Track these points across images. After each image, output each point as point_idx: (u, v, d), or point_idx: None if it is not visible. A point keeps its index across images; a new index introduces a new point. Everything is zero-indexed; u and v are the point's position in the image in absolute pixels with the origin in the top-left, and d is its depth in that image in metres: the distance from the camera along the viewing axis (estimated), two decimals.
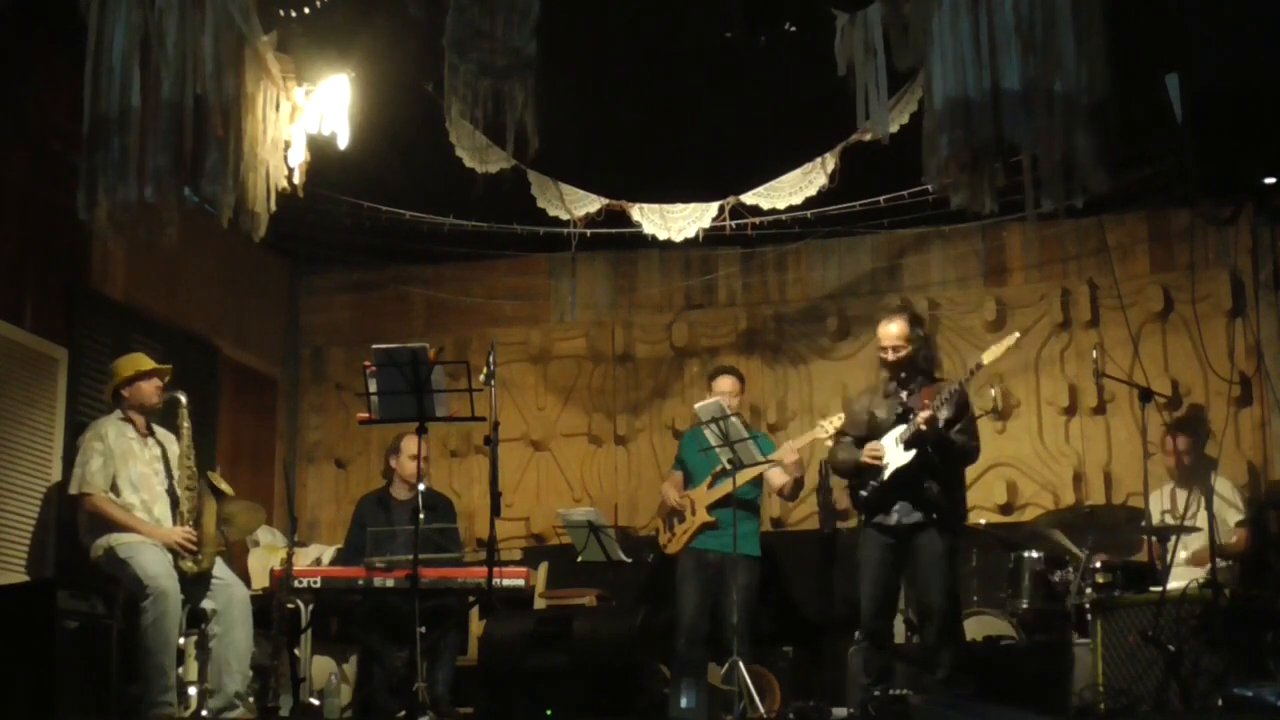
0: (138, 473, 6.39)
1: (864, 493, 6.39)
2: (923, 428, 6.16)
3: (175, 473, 6.49)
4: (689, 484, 7.54)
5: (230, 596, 6.29)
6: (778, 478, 7.41)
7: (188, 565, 6.22)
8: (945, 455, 6.25)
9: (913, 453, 6.21)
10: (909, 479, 6.24)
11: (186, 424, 6.52)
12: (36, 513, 7.01)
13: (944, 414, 6.24)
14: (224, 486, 6.61)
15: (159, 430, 6.64)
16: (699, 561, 7.31)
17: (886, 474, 6.28)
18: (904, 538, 6.25)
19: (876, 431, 6.39)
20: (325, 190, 7.52)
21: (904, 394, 6.41)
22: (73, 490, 6.35)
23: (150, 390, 6.54)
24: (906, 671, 6.59)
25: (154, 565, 6.10)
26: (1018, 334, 6.61)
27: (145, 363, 6.61)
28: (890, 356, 6.46)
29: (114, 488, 6.32)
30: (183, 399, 6.52)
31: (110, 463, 6.32)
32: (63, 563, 6.82)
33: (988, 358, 6.42)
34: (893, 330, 6.47)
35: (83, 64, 5.73)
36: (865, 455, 6.36)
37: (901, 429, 6.27)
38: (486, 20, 5.82)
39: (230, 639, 6.21)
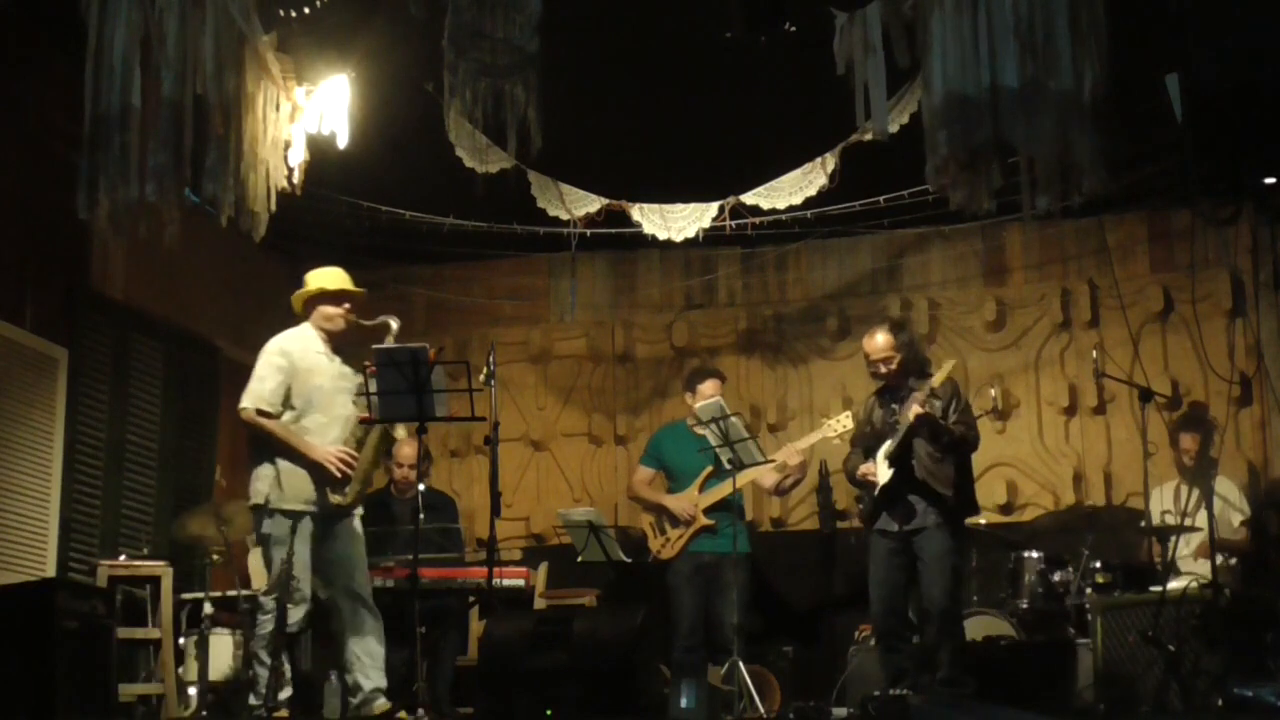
0: (318, 389, 6.05)
1: (861, 506, 6.48)
2: (910, 419, 6.13)
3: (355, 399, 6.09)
4: (672, 484, 7.46)
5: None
6: (769, 478, 7.35)
7: (335, 498, 5.96)
8: (943, 444, 6.21)
9: (892, 471, 6.22)
10: (896, 493, 6.26)
11: None
12: (37, 513, 7.01)
13: (936, 408, 6.20)
14: (399, 432, 6.24)
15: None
16: (695, 565, 7.23)
17: (877, 490, 6.31)
18: (907, 540, 6.27)
19: (875, 442, 6.40)
20: (325, 190, 7.52)
21: (894, 405, 6.39)
22: (245, 404, 6.02)
23: (334, 313, 6.14)
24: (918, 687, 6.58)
25: (304, 571, 5.89)
26: (953, 361, 6.56)
27: (334, 280, 6.18)
28: (882, 370, 6.42)
29: (289, 405, 6.01)
30: (393, 325, 6.07)
31: (289, 380, 6.00)
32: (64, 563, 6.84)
33: (936, 379, 6.24)
34: (879, 342, 6.42)
35: (83, 64, 5.74)
36: (859, 474, 6.42)
37: (888, 444, 6.26)
38: (486, 20, 5.83)
39: (360, 636, 6.02)
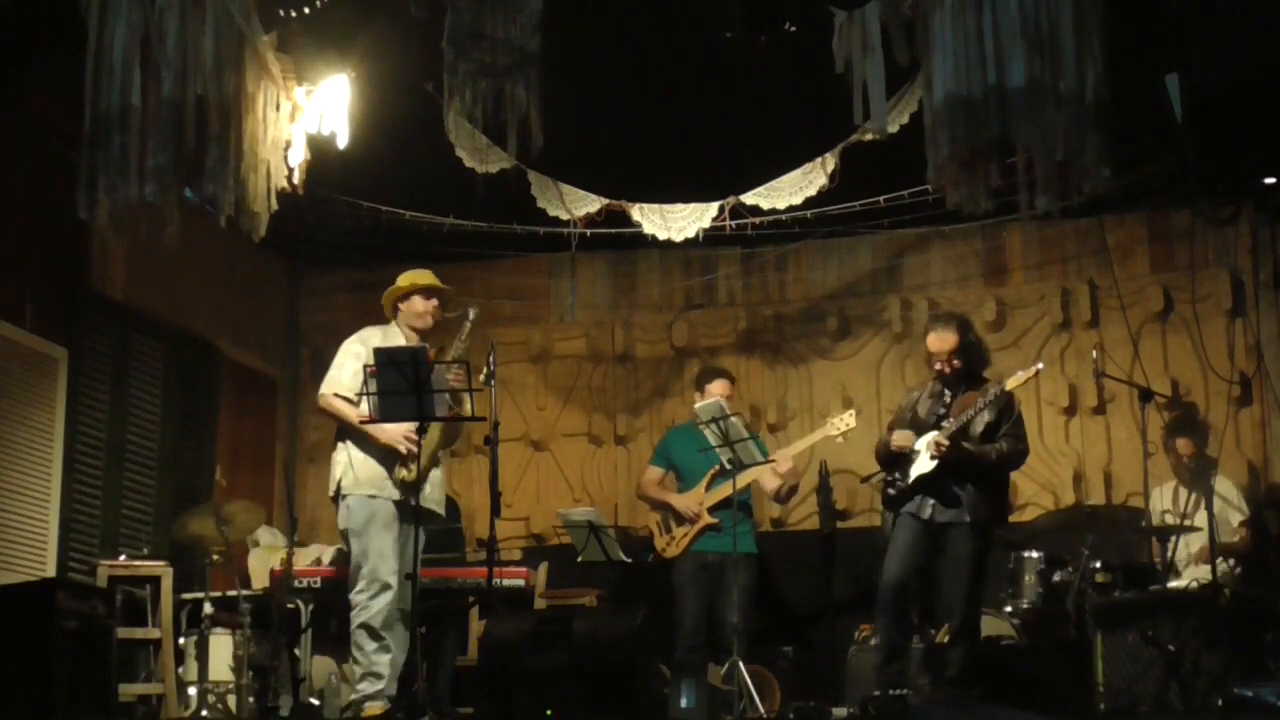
0: None
1: (891, 491, 6.32)
2: (934, 455, 6.09)
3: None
4: (681, 484, 7.49)
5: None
6: (770, 481, 7.35)
7: (400, 473, 6.03)
8: (975, 470, 6.15)
9: (935, 463, 6.15)
10: (932, 484, 6.18)
11: (464, 341, 6.21)
12: (37, 513, 7.01)
13: (984, 419, 6.14)
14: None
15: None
16: (699, 564, 7.25)
17: (911, 477, 6.23)
18: (937, 533, 6.18)
19: (916, 430, 6.28)
20: (325, 190, 7.52)
21: (947, 396, 6.30)
22: (322, 390, 6.20)
23: (423, 308, 6.27)
24: (908, 672, 6.58)
25: (382, 559, 5.96)
26: (1040, 365, 6.46)
27: (423, 278, 6.33)
28: (946, 370, 6.27)
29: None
30: (471, 314, 6.22)
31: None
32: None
33: (1010, 384, 6.22)
34: (948, 343, 6.26)
35: (83, 64, 5.74)
36: (893, 440, 6.28)
37: (931, 436, 6.19)
38: (486, 20, 5.83)
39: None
